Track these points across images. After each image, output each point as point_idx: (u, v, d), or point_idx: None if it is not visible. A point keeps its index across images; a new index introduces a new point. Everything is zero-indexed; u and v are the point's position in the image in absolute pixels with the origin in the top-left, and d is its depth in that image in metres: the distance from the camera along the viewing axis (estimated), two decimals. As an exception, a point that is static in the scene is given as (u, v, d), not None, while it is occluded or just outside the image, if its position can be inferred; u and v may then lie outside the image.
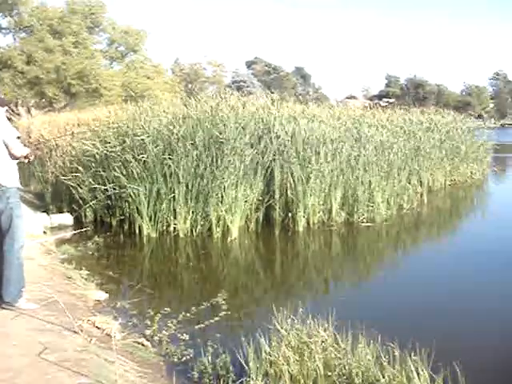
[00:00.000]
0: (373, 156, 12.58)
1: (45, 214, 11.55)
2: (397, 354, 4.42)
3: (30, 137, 22.70)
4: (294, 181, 11.29)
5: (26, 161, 6.01)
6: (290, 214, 11.31)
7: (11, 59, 29.47)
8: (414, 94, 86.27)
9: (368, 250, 10.65)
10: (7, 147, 5.59)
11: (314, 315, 5.10)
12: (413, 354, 4.41)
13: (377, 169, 12.43)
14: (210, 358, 5.07)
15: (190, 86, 52.47)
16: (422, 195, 14.90)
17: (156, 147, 10.78)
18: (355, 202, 11.87)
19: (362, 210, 11.85)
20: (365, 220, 11.73)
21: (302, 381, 4.38)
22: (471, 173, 19.42)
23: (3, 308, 5.58)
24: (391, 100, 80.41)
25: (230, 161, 10.75)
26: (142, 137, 10.95)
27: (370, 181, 12.18)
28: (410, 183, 14.19)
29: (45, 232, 10.50)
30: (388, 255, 10.41)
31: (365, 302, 7.33)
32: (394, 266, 9.55)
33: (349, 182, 11.89)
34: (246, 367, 4.63)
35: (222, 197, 10.66)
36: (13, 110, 26.12)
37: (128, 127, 11.75)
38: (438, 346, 4.58)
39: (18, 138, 5.75)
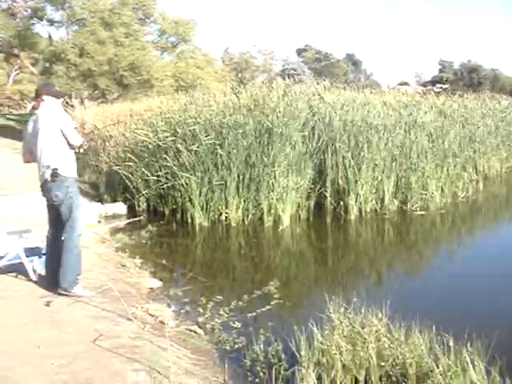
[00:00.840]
0: (427, 143, 12.32)
1: (99, 203, 11.78)
2: (451, 344, 4.31)
3: (83, 128, 23.16)
4: (345, 169, 11.16)
5: (81, 150, 6.11)
6: (341, 203, 11.20)
7: (64, 52, 30.01)
8: (469, 79, 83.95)
9: (422, 239, 10.45)
10: (66, 137, 5.70)
11: (368, 305, 5.03)
12: (468, 345, 4.30)
13: (431, 156, 12.17)
14: (261, 346, 5.06)
15: (240, 75, 52.57)
16: (477, 182, 14.53)
17: (207, 137, 10.82)
18: (408, 189, 11.66)
19: (416, 198, 11.64)
20: (418, 208, 11.51)
21: (355, 370, 4.33)
22: (529, 159, 18.81)
23: (60, 294, 5.71)
24: (445, 86, 78.48)
25: (280, 149, 10.71)
26: (194, 127, 11.02)
27: (423, 168, 11.93)
28: (465, 170, 13.84)
29: (99, 221, 10.70)
30: (443, 244, 10.18)
31: (419, 291, 7.21)
32: (449, 255, 9.34)
33: (402, 169, 11.69)
34: (298, 356, 4.60)
35: (273, 185, 10.64)
36: (67, 102, 26.63)
37: (180, 117, 11.83)
38: (494, 337, 4.44)
39: (75, 128, 5.86)
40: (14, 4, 33.27)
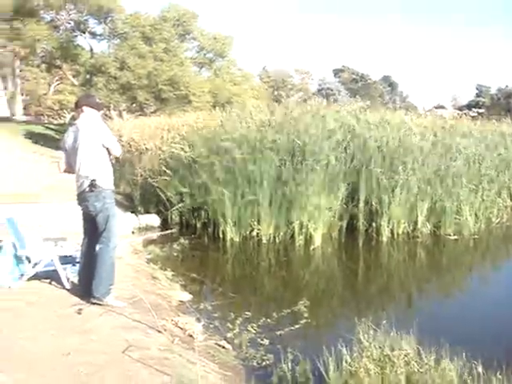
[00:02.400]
0: (462, 167, 12.19)
1: (133, 214, 11.92)
2: (480, 370, 4.25)
3: (121, 140, 23.55)
4: (379, 190, 11.11)
5: (114, 161, 6.25)
6: (374, 224, 11.14)
7: (105, 65, 30.63)
8: (506, 103, 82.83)
9: (455, 264, 10.32)
10: (108, 149, 5.81)
11: (397, 328, 5.00)
12: (498, 373, 4.24)
13: (466, 181, 12.03)
14: (289, 364, 5.04)
15: (276, 92, 52.76)
16: (512, 209, 14.30)
17: (241, 153, 10.89)
18: (442, 213, 11.53)
19: (449, 223, 11.50)
20: (452, 233, 11.37)
21: (383, 394, 4.30)
22: None
23: (92, 303, 5.79)
24: (481, 110, 77.58)
25: (312, 168, 10.72)
26: (227, 143, 11.10)
27: (458, 193, 11.80)
28: (499, 196, 13.63)
29: (133, 232, 10.83)
30: (476, 269, 10.04)
31: (449, 316, 7.11)
32: (482, 280, 9.20)
33: (436, 193, 11.58)
34: (326, 376, 4.58)
35: (305, 204, 10.64)
36: (105, 114, 27.09)
37: (215, 133, 11.94)
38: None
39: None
40: (58, 17, 34.14)
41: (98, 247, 5.81)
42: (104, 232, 5.83)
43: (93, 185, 5.76)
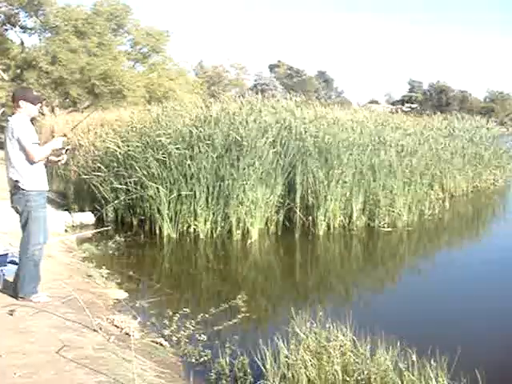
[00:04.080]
0: (395, 161, 12.48)
1: (67, 212, 11.64)
2: (415, 359, 4.36)
3: (53, 136, 22.91)
4: (315, 184, 11.24)
5: (61, 162, 6.14)
6: (310, 218, 11.26)
7: (36, 59, 29.79)
8: (437, 99, 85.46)
9: (389, 255, 10.55)
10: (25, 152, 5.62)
11: (334, 320, 5.06)
12: (432, 360, 4.36)
13: (399, 174, 12.33)
14: (227, 359, 5.06)
15: (212, 88, 52.52)
16: (443, 201, 14.74)
17: (177, 148, 10.80)
18: (376, 206, 11.78)
19: (383, 215, 11.76)
20: (386, 225, 11.63)
21: (320, 385, 4.35)
22: (494, 180, 19.13)
23: (24, 306, 5.62)
24: (414, 105, 79.83)
25: (249, 162, 10.74)
26: (163, 138, 10.98)
27: (391, 186, 12.08)
28: (432, 189, 14.04)
29: (66, 230, 10.58)
30: (409, 261, 10.29)
31: (384, 307, 7.28)
32: (415, 271, 9.44)
33: (370, 186, 11.82)
34: (264, 370, 4.60)
35: (243, 199, 10.66)
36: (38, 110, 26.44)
37: (150, 128, 11.80)
38: (458, 353, 4.51)
39: (36, 143, 5.72)
40: (-13, 9, 32.95)
41: (19, 248, 5.74)
42: (24, 233, 5.76)
43: (15, 186, 5.65)
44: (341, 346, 4.62)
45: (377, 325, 5.02)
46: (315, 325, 5.03)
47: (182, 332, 5.80)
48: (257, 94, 14.22)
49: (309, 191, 11.36)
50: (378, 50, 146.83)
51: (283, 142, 11.60)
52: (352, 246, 10.87)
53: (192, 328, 5.93)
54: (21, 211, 5.71)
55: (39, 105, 6.06)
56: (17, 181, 5.62)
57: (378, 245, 11.09)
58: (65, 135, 6.22)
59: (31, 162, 5.64)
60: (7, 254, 6.64)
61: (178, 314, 6.26)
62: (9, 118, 5.85)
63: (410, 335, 5.09)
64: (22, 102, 5.75)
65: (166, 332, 5.84)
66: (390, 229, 11.52)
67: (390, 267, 9.83)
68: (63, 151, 6.08)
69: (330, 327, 4.93)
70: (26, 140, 5.58)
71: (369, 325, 5.01)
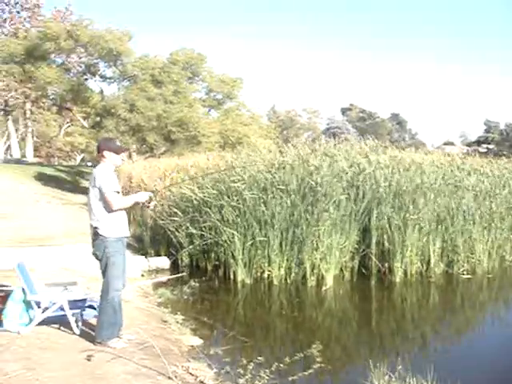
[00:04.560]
0: (473, 205, 12.10)
1: (143, 257, 11.86)
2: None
3: (131, 182, 23.63)
4: (390, 230, 11.02)
5: (150, 207, 6.47)
6: (386, 264, 11.01)
7: (115, 107, 31.01)
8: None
9: (468, 304, 10.15)
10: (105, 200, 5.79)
11: (413, 372, 4.88)
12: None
13: (478, 219, 11.93)
14: (303, 411, 4.94)
15: (285, 132, 53.06)
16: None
17: (251, 194, 10.86)
18: (455, 253, 11.40)
19: (462, 262, 11.37)
20: (465, 272, 11.23)
21: None
22: None
23: (101, 351, 5.70)
24: (490, 146, 77.68)
25: (324, 208, 10.67)
26: (238, 184, 11.09)
27: (470, 231, 11.69)
28: (512, 234, 13.49)
29: (143, 275, 10.75)
30: (491, 309, 9.87)
31: (464, 357, 6.98)
32: (498, 320, 9.03)
33: (448, 231, 11.47)
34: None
35: (317, 244, 10.56)
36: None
37: (225, 174, 11.95)
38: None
39: (117, 191, 5.88)
40: (69, 60, 34.78)
41: (100, 293, 5.86)
42: (104, 278, 5.87)
43: (95, 233, 5.82)
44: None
45: (457, 376, 4.82)
46: (394, 379, 4.86)
47: (257, 382, 5.70)
48: (329, 137, 14.20)
49: (384, 237, 11.14)
50: (453, 90, 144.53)
51: (358, 186, 11.49)
52: (430, 293, 10.52)
53: (267, 378, 5.81)
54: (100, 257, 5.85)
55: (123, 154, 6.26)
56: (96, 227, 5.79)
57: (457, 292, 10.71)
58: (154, 191, 6.40)
59: (110, 210, 5.81)
60: (86, 298, 6.80)
61: (252, 363, 6.16)
62: (88, 163, 6.06)
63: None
64: (106, 153, 5.95)
65: (241, 381, 5.76)
66: (469, 276, 11.11)
67: (470, 316, 9.44)
68: (150, 202, 6.26)
69: (409, 381, 4.76)
70: (107, 188, 5.76)
71: (449, 377, 4.80)
